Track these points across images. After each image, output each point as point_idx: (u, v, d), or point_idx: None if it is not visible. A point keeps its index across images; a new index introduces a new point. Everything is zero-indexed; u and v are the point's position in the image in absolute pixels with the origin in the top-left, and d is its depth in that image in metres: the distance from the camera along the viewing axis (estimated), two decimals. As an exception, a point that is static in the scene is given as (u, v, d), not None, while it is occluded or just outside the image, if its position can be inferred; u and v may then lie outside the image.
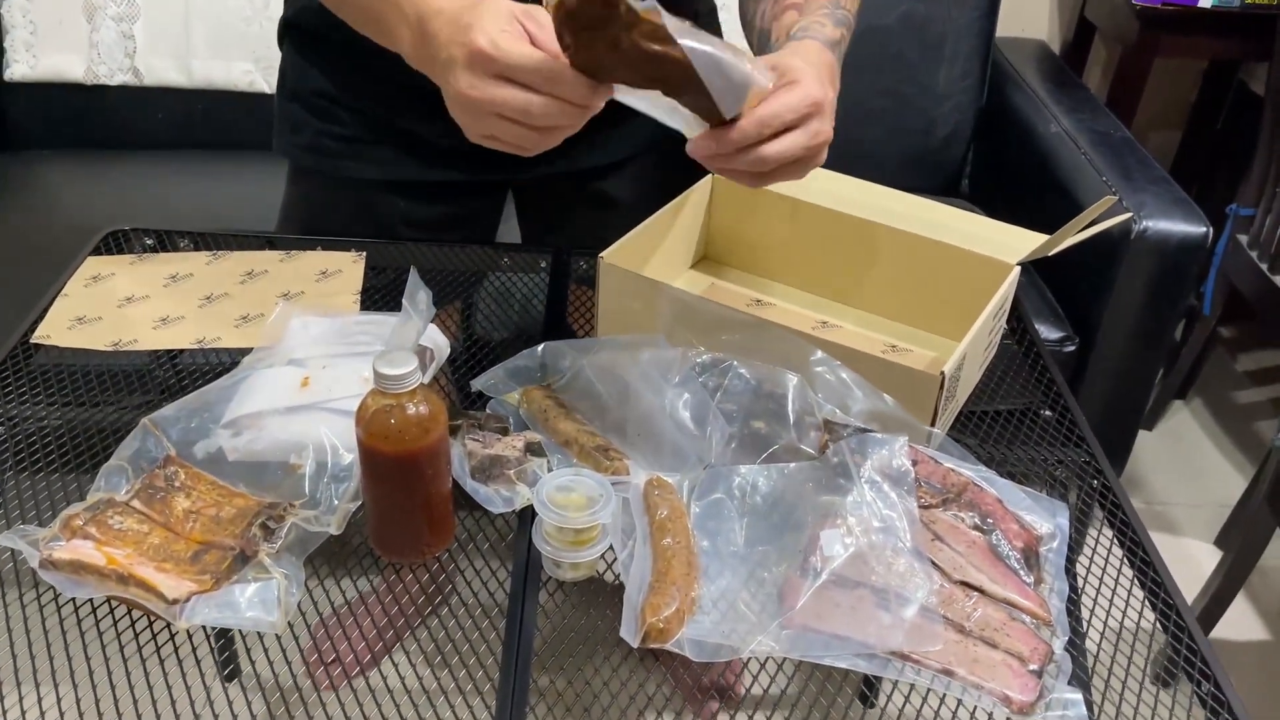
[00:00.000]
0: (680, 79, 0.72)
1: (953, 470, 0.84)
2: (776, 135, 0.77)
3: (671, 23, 0.69)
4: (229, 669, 1.05)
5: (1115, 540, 0.85)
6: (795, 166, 0.79)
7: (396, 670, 0.72)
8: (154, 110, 1.87)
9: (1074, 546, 0.82)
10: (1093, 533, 0.86)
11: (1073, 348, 1.60)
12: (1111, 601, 0.79)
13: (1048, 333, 1.59)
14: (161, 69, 1.84)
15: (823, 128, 0.79)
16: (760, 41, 0.94)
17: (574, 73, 0.70)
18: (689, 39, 0.69)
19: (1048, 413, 0.98)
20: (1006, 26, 2.10)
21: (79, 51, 1.82)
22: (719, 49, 0.72)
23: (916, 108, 1.96)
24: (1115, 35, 2.06)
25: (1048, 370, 1.03)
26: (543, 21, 0.70)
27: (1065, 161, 1.71)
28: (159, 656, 0.68)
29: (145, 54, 1.83)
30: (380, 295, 1.05)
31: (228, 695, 0.67)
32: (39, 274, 1.10)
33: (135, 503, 0.75)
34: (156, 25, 1.82)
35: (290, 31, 1.07)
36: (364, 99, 1.04)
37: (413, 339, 0.84)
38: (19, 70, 1.82)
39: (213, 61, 1.83)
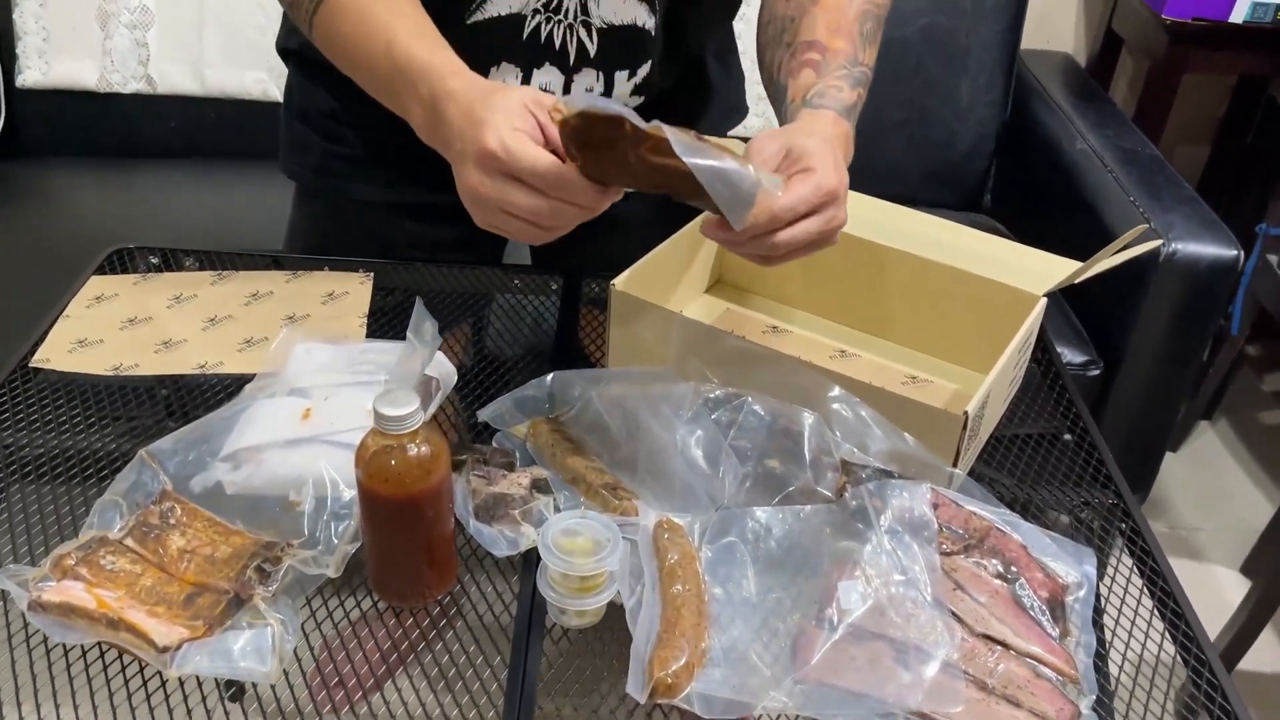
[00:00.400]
0: (688, 188, 0.72)
1: (975, 514, 0.81)
2: (790, 224, 0.76)
3: (676, 138, 0.69)
4: (232, 690, 1.03)
5: (1135, 569, 0.82)
6: (807, 249, 0.79)
7: (400, 695, 0.70)
8: (167, 118, 1.85)
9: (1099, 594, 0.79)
10: (1113, 560, 0.84)
11: (1097, 372, 1.56)
12: (1131, 633, 0.76)
13: (1072, 356, 1.55)
14: (175, 77, 1.82)
15: (838, 214, 0.78)
16: (777, 94, 0.93)
17: (583, 179, 0.71)
18: (695, 156, 0.69)
19: (1068, 436, 0.95)
20: (1031, 39, 2.06)
21: (92, 58, 1.81)
22: (726, 161, 0.71)
23: (938, 121, 1.92)
24: (1143, 49, 2.02)
25: (1072, 402, 1.00)
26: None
27: (1091, 179, 1.67)
28: (149, 705, 0.66)
29: (158, 61, 1.81)
30: (388, 317, 1.02)
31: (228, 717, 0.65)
32: (49, 283, 1.08)
33: (129, 541, 0.73)
34: (170, 33, 1.80)
35: (291, 57, 1.04)
36: (371, 120, 1.02)
37: (416, 374, 0.82)
38: (31, 77, 1.81)
39: (226, 70, 1.82)
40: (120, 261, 1.08)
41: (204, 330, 0.99)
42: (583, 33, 0.92)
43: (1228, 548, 1.92)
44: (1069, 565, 0.80)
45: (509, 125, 0.70)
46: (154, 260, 1.09)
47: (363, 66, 0.83)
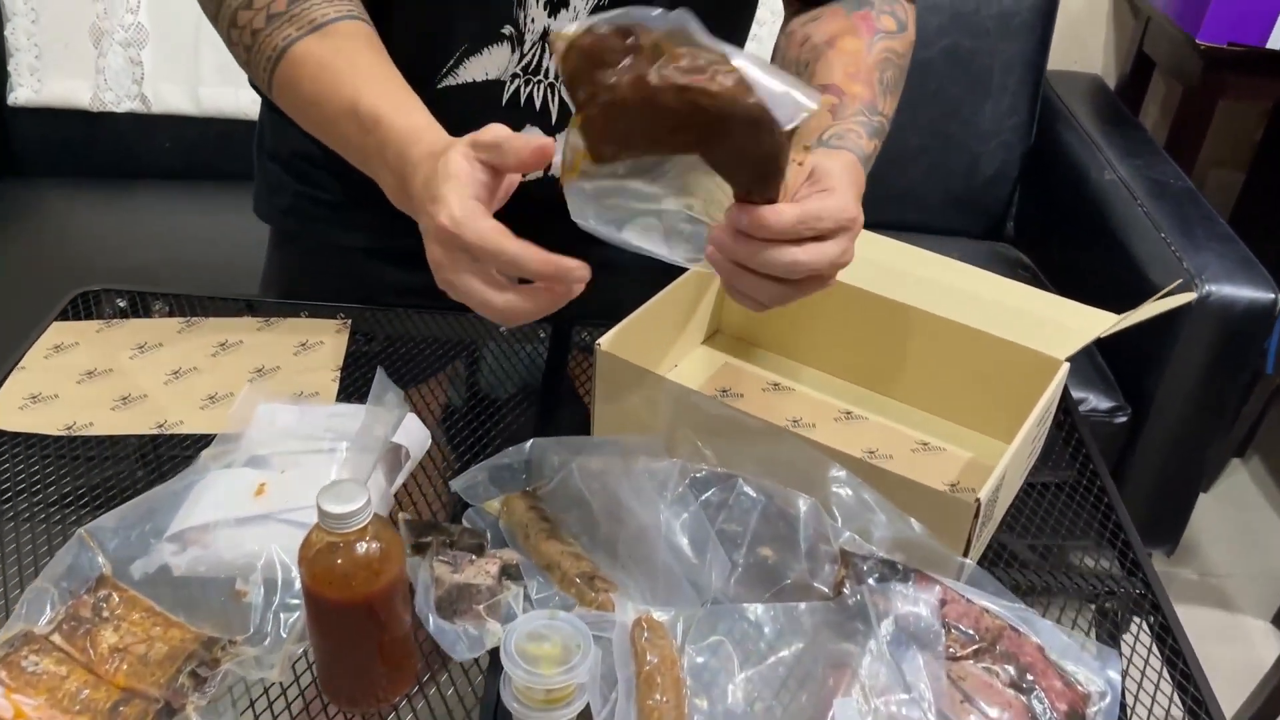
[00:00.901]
0: (715, 118, 0.61)
1: (987, 612, 0.73)
2: (812, 240, 0.68)
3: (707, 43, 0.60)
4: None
5: (1165, 672, 0.75)
6: (811, 284, 0.71)
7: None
8: (161, 138, 1.81)
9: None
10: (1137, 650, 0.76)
11: (1124, 419, 1.48)
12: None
13: (1097, 402, 1.47)
14: (170, 96, 1.78)
15: (850, 248, 0.70)
16: None
17: (538, 255, 0.64)
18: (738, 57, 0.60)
19: (1086, 482, 0.88)
20: (1058, 59, 1.98)
21: (85, 77, 1.76)
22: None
23: (960, 146, 1.85)
24: (1176, 73, 1.94)
25: (1090, 457, 0.93)
26: (488, 140, 0.66)
27: (1119, 212, 1.59)
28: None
29: (153, 80, 1.77)
30: (367, 365, 0.96)
31: None
32: (31, 315, 1.03)
33: (56, 637, 0.67)
34: (165, 51, 1.76)
35: (262, 93, 0.98)
36: (349, 164, 0.96)
37: (377, 450, 0.76)
38: (23, 95, 1.76)
39: (222, 89, 1.77)
40: (85, 305, 1.03)
41: (166, 384, 0.93)
42: (565, 92, 0.86)
43: (1259, 596, 1.83)
44: (1091, 670, 0.72)
45: (459, 198, 0.64)
46: (121, 304, 1.03)
47: (327, 127, 0.77)
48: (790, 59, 0.89)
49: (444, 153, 0.67)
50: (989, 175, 1.86)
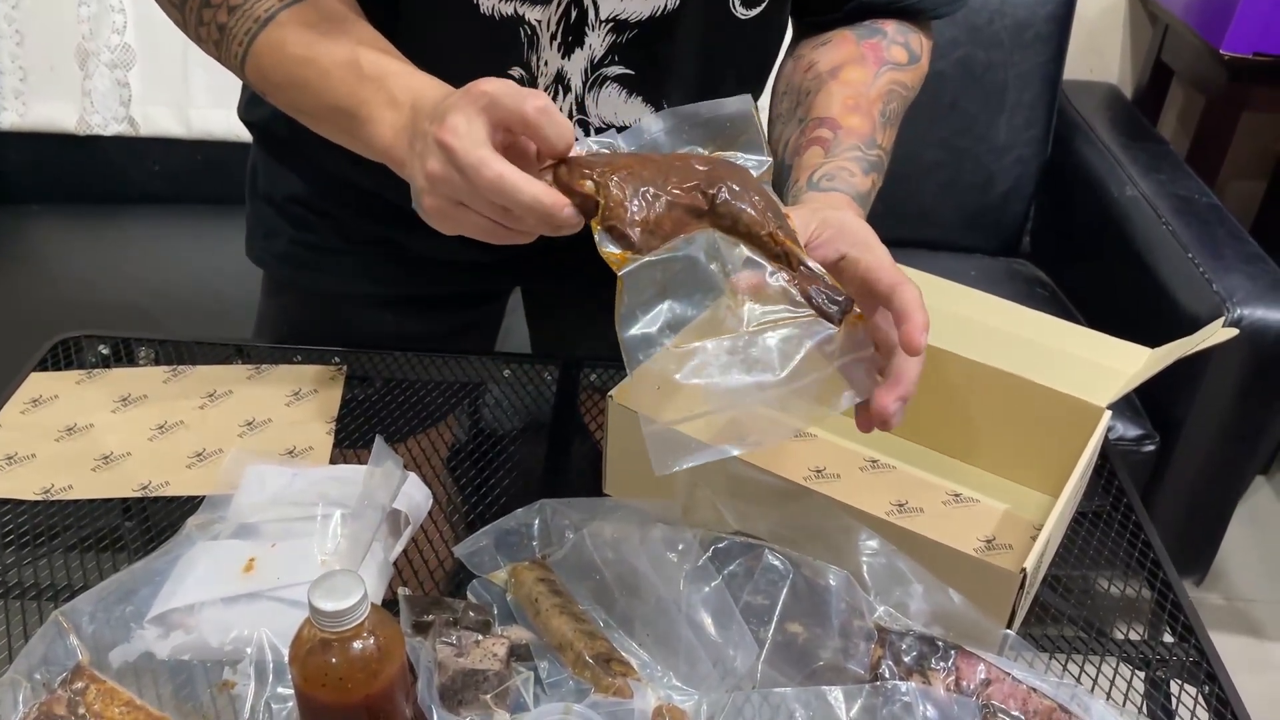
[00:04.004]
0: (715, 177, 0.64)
1: (1035, 692, 0.68)
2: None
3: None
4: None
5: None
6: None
7: None
8: (150, 162, 1.75)
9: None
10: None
11: (1153, 447, 1.43)
12: None
13: (1125, 430, 1.42)
14: (158, 118, 1.72)
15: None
16: (781, 175, 0.80)
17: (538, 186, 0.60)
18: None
19: (1122, 525, 0.83)
20: (1073, 68, 1.93)
21: (71, 100, 1.71)
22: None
23: (974, 161, 1.79)
24: (1196, 83, 1.88)
25: (1132, 510, 0.87)
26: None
27: (1142, 230, 1.54)
28: None
29: (141, 103, 1.71)
30: (362, 413, 0.91)
31: None
32: (17, 352, 0.98)
33: (27, 738, 0.61)
34: (153, 72, 1.70)
35: (254, 130, 0.93)
36: (345, 205, 0.91)
37: (368, 537, 0.70)
38: (8, 119, 1.71)
39: (212, 111, 1.72)
40: (66, 352, 0.97)
41: (150, 441, 0.87)
42: (579, 133, 0.81)
43: (1288, 622, 1.77)
44: (1148, 754, 0.67)
45: (473, 107, 0.59)
46: (104, 350, 0.98)
47: (315, 85, 0.70)
48: (794, 85, 0.84)
49: (470, 89, 0.61)
50: (1004, 190, 1.81)
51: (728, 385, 0.63)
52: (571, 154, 0.62)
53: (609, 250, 0.63)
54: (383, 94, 0.66)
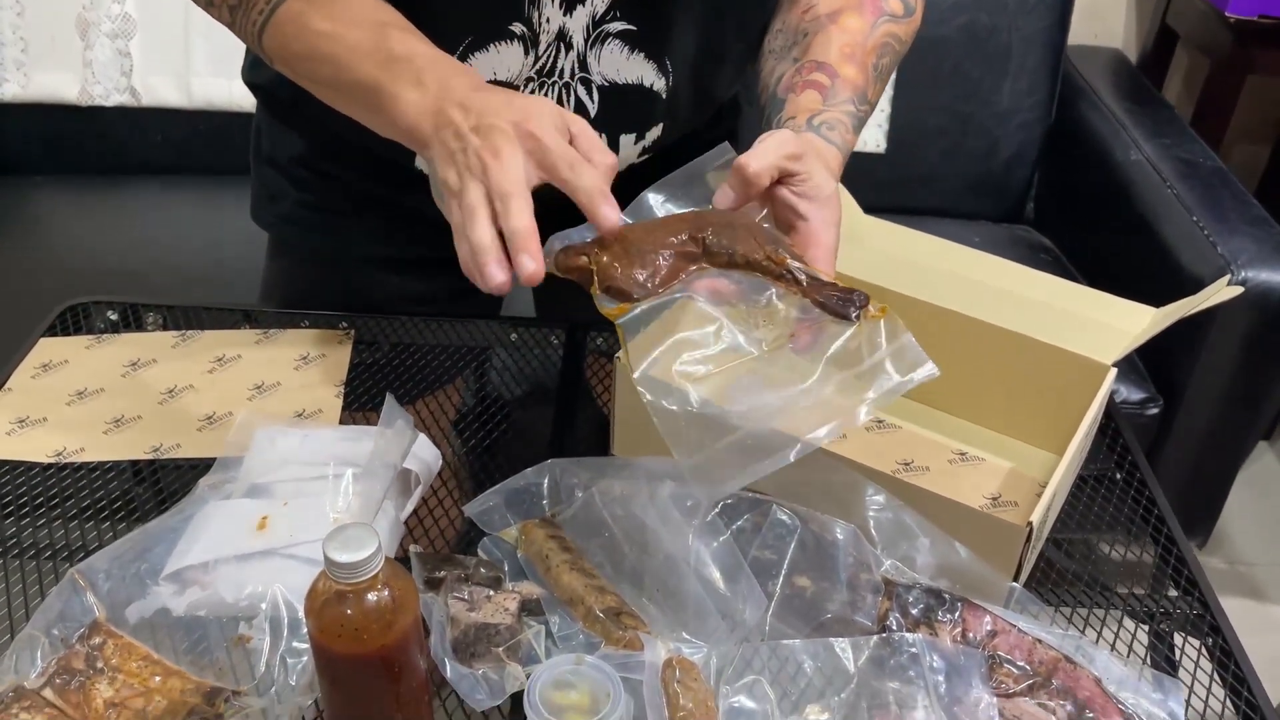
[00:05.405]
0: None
1: (1040, 643, 0.69)
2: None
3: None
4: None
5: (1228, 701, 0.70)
6: None
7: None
8: (152, 133, 1.75)
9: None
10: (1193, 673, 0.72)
11: (1156, 410, 1.43)
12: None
13: (1129, 393, 1.42)
14: (160, 89, 1.72)
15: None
16: (770, 106, 0.81)
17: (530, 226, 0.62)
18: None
19: (1125, 483, 0.83)
20: (1078, 33, 1.91)
21: (72, 70, 1.70)
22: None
23: (978, 127, 1.79)
24: (1202, 46, 1.87)
25: (1146, 488, 0.88)
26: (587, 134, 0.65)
27: (1146, 194, 1.53)
28: None
29: (142, 73, 1.70)
30: (371, 377, 0.92)
31: None
32: (25, 319, 0.98)
33: (47, 691, 0.62)
34: (154, 42, 1.69)
35: (258, 93, 0.93)
36: (350, 167, 0.91)
37: (388, 480, 0.71)
38: (9, 90, 1.71)
39: (214, 80, 1.71)
40: (74, 319, 0.98)
41: (161, 404, 0.88)
42: (581, 91, 0.81)
43: (1290, 586, 1.79)
44: (1152, 703, 0.68)
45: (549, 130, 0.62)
46: (112, 316, 0.98)
47: (333, 63, 0.70)
48: (790, 24, 0.84)
49: (538, 99, 0.64)
50: (1008, 156, 1.80)
51: (751, 405, 0.63)
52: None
53: (608, 309, 0.65)
54: (410, 74, 0.67)
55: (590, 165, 0.62)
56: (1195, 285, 0.85)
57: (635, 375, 0.62)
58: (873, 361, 0.64)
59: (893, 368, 0.64)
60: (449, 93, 0.64)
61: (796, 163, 0.68)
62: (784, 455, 0.62)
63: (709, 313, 0.65)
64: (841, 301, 0.64)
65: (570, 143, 0.63)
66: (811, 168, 0.68)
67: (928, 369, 0.63)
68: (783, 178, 0.68)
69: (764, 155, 0.66)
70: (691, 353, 0.64)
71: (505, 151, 0.61)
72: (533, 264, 0.60)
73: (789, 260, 0.66)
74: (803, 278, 0.65)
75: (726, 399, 0.64)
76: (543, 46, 0.77)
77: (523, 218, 0.60)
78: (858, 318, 0.64)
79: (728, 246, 0.66)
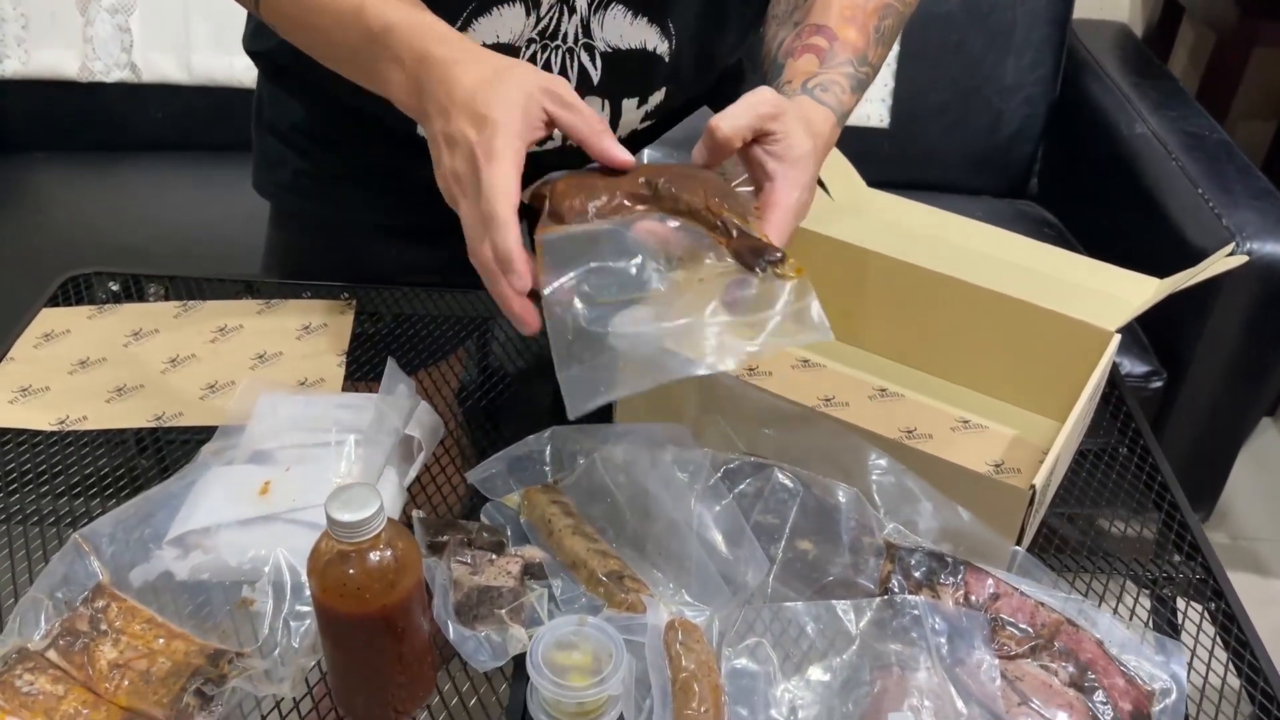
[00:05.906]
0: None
1: (1043, 606, 0.69)
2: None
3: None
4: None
5: (1231, 664, 0.71)
6: None
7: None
8: (153, 109, 1.74)
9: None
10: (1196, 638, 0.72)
11: (1160, 383, 1.43)
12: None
13: (1132, 366, 1.42)
14: (160, 65, 1.71)
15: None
16: (771, 72, 0.80)
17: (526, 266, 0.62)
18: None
19: (1129, 453, 0.83)
20: (1083, 7, 1.90)
21: (73, 47, 1.70)
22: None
23: (982, 102, 1.78)
24: (1207, 19, 1.86)
25: (1140, 437, 0.88)
26: (568, 100, 0.64)
27: (1152, 167, 1.52)
28: None
29: (143, 49, 1.70)
30: (373, 346, 0.91)
31: None
32: (26, 292, 0.98)
33: (51, 653, 0.62)
34: (154, 18, 1.69)
35: (260, 60, 0.92)
36: (352, 134, 0.90)
37: (390, 444, 0.71)
38: (10, 67, 1.70)
39: (214, 56, 1.70)
40: (76, 289, 0.98)
41: (163, 374, 0.88)
42: (584, 57, 0.80)
43: (1293, 561, 1.79)
44: (1155, 666, 0.68)
45: (511, 143, 0.61)
46: (113, 287, 0.98)
47: (326, 35, 0.70)
48: None
49: (503, 80, 0.62)
50: (1012, 131, 1.79)
51: (636, 331, 0.63)
52: None
53: (542, 227, 0.65)
54: (388, 51, 0.67)
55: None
56: (1200, 259, 0.84)
57: (545, 292, 0.63)
58: (765, 315, 0.64)
59: (783, 325, 0.63)
60: (425, 74, 0.64)
61: (773, 122, 0.67)
62: (656, 378, 0.62)
63: (632, 248, 0.65)
64: (753, 253, 0.64)
65: (550, 121, 0.63)
66: (789, 128, 0.67)
67: (820, 335, 0.63)
68: (759, 137, 0.68)
69: (737, 117, 0.66)
70: (603, 279, 0.64)
71: (469, 179, 0.62)
72: (521, 282, 0.61)
73: (725, 212, 0.65)
74: (734, 230, 0.65)
75: (618, 324, 0.64)
76: (545, 7, 0.77)
77: (506, 241, 0.60)
78: (763, 270, 0.64)
79: (675, 194, 0.66)
